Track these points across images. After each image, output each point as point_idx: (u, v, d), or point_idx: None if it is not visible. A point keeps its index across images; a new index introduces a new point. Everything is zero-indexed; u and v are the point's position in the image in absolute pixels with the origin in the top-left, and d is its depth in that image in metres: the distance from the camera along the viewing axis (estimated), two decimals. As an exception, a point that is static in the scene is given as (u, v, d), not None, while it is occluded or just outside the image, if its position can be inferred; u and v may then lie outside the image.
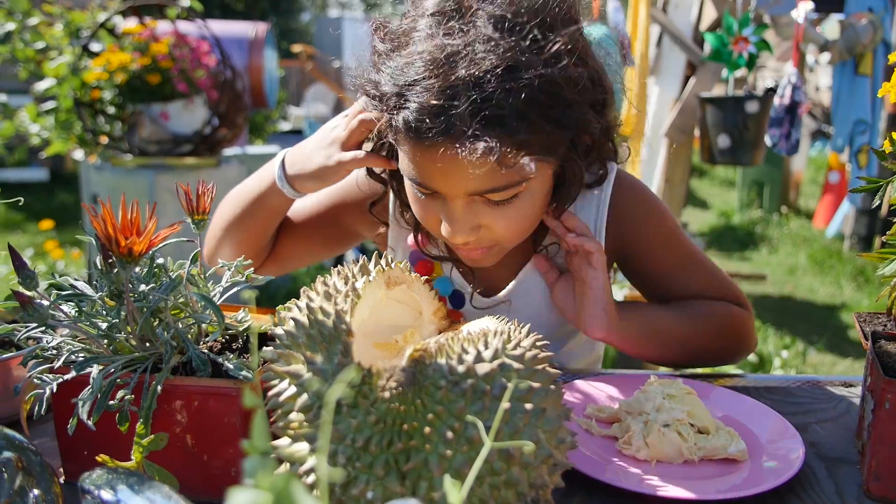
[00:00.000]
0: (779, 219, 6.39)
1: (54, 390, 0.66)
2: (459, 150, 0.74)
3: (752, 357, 3.16)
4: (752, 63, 2.48)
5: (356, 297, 0.62)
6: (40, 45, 3.21)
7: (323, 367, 0.53)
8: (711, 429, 0.78)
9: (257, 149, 4.52)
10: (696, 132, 2.90)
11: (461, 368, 0.52)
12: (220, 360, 0.69)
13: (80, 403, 0.63)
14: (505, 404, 0.50)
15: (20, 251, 0.67)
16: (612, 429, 0.83)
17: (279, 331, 0.61)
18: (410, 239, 1.03)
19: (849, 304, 4.36)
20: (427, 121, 0.74)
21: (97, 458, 0.65)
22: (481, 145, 0.73)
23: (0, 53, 3.18)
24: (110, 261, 0.63)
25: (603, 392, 0.92)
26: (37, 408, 0.66)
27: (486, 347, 0.55)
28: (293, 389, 0.55)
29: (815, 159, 8.26)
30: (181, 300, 0.74)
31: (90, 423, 0.63)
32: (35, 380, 0.68)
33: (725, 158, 2.73)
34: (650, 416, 0.77)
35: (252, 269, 0.79)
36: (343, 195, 1.10)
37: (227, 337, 0.82)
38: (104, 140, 3.27)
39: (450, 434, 0.49)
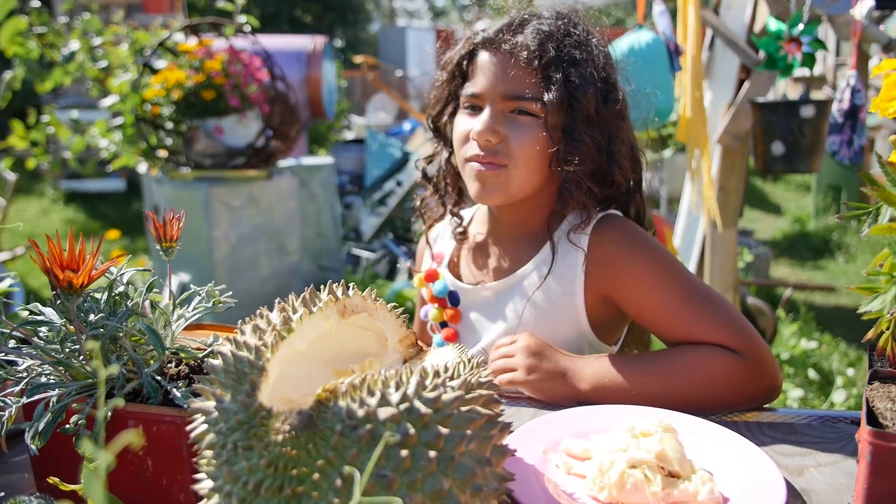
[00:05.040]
0: (857, 225, 6.02)
1: (13, 414, 0.69)
2: (511, 51, 1.08)
3: (813, 374, 2.96)
4: (810, 62, 2.33)
5: (286, 331, 0.61)
6: (103, 63, 3.38)
7: (227, 405, 0.53)
8: (685, 472, 0.73)
9: (311, 160, 4.62)
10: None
11: (360, 413, 0.50)
12: (169, 387, 0.70)
13: (27, 429, 0.65)
14: (395, 450, 0.48)
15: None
16: (584, 466, 0.79)
17: (209, 363, 0.61)
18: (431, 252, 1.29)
19: (932, 319, 4.03)
20: (502, 33, 1.10)
21: (48, 480, 0.67)
22: (525, 49, 1.07)
23: (69, 72, 3.38)
24: (55, 292, 0.64)
25: (588, 425, 0.88)
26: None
27: (397, 389, 0.53)
28: (204, 426, 0.54)
29: (902, 162, 7.70)
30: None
31: (34, 447, 0.64)
32: (-1, 402, 0.70)
33: (780, 166, 2.58)
34: (614, 456, 0.73)
35: (221, 295, 0.81)
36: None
37: (198, 361, 0.83)
38: (164, 154, 3.42)
39: (339, 482, 0.47)
